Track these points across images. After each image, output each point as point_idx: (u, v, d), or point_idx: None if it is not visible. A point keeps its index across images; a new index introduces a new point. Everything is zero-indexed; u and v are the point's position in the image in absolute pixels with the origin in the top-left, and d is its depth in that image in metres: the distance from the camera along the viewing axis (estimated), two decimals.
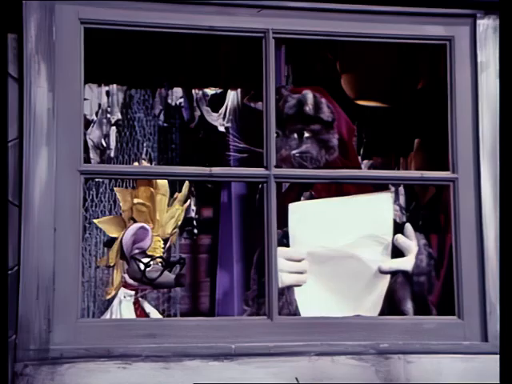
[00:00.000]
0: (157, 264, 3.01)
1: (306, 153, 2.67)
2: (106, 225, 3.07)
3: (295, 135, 2.71)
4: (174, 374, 2.20)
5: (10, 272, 2.19)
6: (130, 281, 3.02)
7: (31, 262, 2.18)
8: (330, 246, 2.49)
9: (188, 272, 3.71)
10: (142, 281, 3.03)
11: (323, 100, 2.71)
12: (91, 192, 3.91)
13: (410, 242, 2.50)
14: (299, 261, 2.51)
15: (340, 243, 2.49)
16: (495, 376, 2.28)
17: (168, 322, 2.46)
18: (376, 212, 2.49)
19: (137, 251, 3.01)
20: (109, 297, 3.03)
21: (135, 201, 2.99)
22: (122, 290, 3.04)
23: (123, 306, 3.02)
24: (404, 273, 2.51)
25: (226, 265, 3.66)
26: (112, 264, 3.02)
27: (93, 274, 3.86)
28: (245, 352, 2.23)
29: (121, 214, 3.09)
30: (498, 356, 2.30)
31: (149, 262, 2.98)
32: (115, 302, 3.04)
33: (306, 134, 2.70)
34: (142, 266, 2.96)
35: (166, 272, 2.98)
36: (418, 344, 2.32)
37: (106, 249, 3.20)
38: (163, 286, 3.16)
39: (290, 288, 2.51)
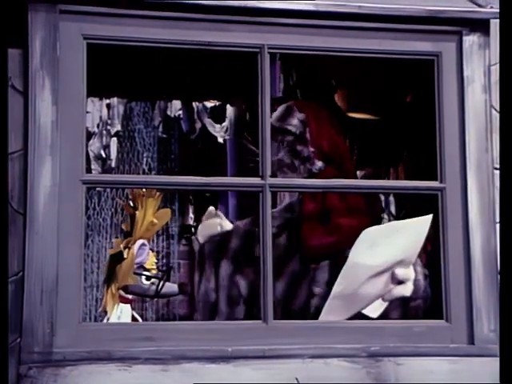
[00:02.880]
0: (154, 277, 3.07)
1: (281, 160, 2.75)
2: (119, 244, 3.13)
3: (275, 144, 2.79)
4: (173, 376, 2.25)
5: (15, 277, 2.25)
6: (127, 295, 3.05)
7: (35, 268, 2.24)
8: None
9: (186, 277, 3.78)
10: (144, 294, 3.08)
11: (297, 114, 2.81)
12: (93, 200, 3.98)
13: (408, 270, 2.59)
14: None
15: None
16: (481, 378, 2.36)
17: (167, 326, 2.53)
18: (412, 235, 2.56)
19: (135, 266, 3.06)
20: (108, 315, 3.05)
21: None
22: (120, 306, 3.07)
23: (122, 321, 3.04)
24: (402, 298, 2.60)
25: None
26: (127, 283, 3.06)
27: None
28: (241, 355, 2.29)
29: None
30: (484, 358, 2.38)
31: (155, 275, 3.04)
32: (113, 318, 3.05)
33: (284, 144, 2.80)
34: (144, 281, 3.02)
35: (167, 283, 3.05)
36: (408, 347, 2.39)
37: (109, 266, 3.21)
38: (168, 296, 3.22)
39: None
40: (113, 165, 4.01)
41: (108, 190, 3.97)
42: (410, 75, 2.77)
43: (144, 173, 4.07)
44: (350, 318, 2.57)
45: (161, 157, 4.13)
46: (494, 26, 2.49)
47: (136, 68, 2.97)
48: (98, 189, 3.90)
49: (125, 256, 3.06)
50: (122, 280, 3.05)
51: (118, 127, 4.03)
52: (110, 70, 2.86)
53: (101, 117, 3.93)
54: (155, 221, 3.10)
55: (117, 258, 3.11)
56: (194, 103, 3.97)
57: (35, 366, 2.20)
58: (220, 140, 3.91)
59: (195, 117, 4.03)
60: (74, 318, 2.27)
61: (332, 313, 2.58)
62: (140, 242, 3.07)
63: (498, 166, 2.49)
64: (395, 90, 2.87)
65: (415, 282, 2.60)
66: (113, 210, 4.02)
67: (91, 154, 3.97)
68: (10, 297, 2.23)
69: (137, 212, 3.16)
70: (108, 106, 3.91)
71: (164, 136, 4.12)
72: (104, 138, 4.02)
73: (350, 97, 2.90)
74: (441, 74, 2.49)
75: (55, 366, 2.21)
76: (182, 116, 4.03)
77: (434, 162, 2.49)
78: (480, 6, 2.51)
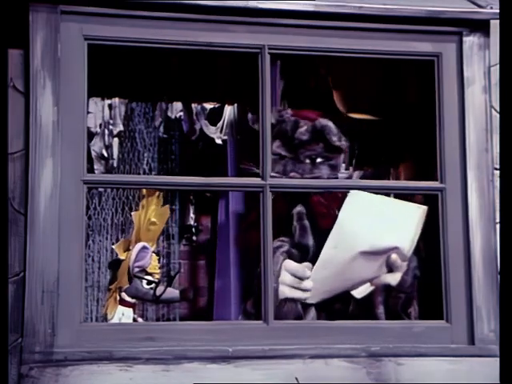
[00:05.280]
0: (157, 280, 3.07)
1: (319, 177, 2.74)
2: (119, 248, 3.13)
3: (308, 160, 2.78)
4: (174, 376, 2.27)
5: (16, 277, 2.26)
6: (128, 299, 3.06)
7: (36, 268, 2.26)
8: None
9: (187, 278, 3.78)
10: (144, 298, 3.08)
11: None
12: (94, 201, 3.98)
13: (401, 262, 2.60)
14: (303, 279, 2.59)
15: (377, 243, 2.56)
16: (481, 378, 2.37)
17: (168, 326, 2.53)
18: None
19: (137, 270, 3.06)
20: (109, 317, 3.06)
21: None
22: (120, 309, 3.07)
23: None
24: (388, 286, 2.62)
25: (223, 270, 3.74)
26: (123, 285, 3.06)
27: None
28: (241, 355, 2.31)
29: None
30: (484, 358, 2.39)
31: (154, 280, 3.04)
32: (114, 320, 3.05)
33: (319, 160, 2.78)
34: (145, 285, 3.02)
35: (169, 288, 3.05)
36: (408, 347, 2.40)
37: (111, 270, 3.21)
38: (169, 302, 3.21)
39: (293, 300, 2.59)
40: (115, 165, 4.02)
41: (109, 190, 3.98)
42: (410, 76, 2.78)
43: (145, 173, 4.08)
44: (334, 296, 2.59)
45: (161, 157, 4.14)
46: (494, 26, 2.50)
47: (137, 69, 2.98)
48: (99, 189, 3.91)
49: (122, 258, 3.06)
50: (120, 282, 3.05)
51: (121, 127, 4.03)
52: (110, 70, 2.87)
53: (103, 117, 3.95)
54: (154, 219, 3.10)
55: (117, 263, 3.11)
56: (192, 104, 3.99)
57: (36, 366, 2.22)
58: (219, 141, 3.91)
59: (194, 118, 4.04)
60: (75, 318, 2.28)
61: (319, 281, 2.59)
62: (141, 244, 3.06)
63: (498, 166, 2.50)
64: (395, 90, 2.88)
65: (404, 275, 2.61)
66: (113, 210, 4.03)
67: (93, 154, 3.97)
68: (12, 297, 2.24)
69: (134, 213, 3.17)
70: (110, 106, 3.92)
71: (165, 136, 4.13)
72: (106, 138, 4.03)
73: (350, 97, 2.91)
74: (441, 75, 2.51)
75: (56, 365, 2.22)
76: (182, 117, 4.04)
77: (434, 162, 2.50)
78: (480, 6, 2.52)
